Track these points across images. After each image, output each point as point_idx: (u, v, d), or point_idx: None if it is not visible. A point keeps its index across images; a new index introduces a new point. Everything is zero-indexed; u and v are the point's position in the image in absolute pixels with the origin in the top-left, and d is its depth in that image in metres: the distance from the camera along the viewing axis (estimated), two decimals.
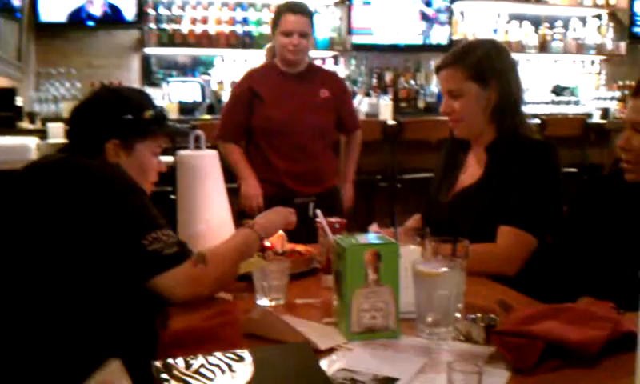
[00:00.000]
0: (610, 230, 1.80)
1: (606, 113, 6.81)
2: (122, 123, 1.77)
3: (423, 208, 2.34)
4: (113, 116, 1.78)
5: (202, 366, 1.16)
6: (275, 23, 3.40)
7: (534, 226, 2.00)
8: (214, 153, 2.07)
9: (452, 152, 2.29)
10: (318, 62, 6.73)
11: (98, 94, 1.88)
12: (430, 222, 2.14)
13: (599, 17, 7.75)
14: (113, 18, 6.19)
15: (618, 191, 1.84)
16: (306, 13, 3.40)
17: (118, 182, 1.62)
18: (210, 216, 1.98)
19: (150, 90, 6.33)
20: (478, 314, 1.42)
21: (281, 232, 2.05)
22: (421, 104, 6.90)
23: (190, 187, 1.99)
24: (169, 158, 2.00)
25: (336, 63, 6.94)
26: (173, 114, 5.94)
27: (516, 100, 2.14)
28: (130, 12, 6.20)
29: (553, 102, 7.37)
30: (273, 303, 1.67)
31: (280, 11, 3.39)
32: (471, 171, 2.19)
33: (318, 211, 1.85)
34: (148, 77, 6.53)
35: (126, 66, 6.45)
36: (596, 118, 6.64)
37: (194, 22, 6.42)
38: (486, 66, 2.11)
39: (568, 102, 7.47)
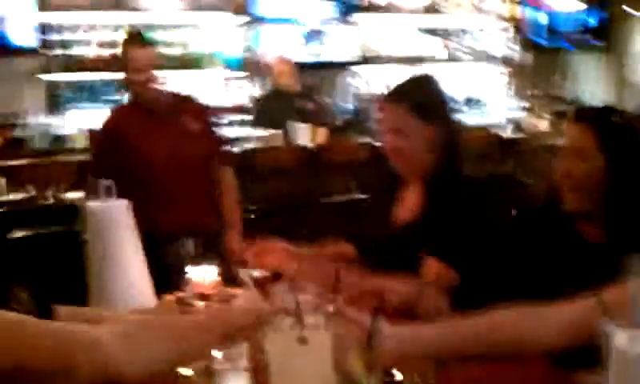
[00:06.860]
0: (545, 267, 1.78)
1: (515, 125, 6.95)
2: None
3: (355, 243, 2.27)
4: None
5: None
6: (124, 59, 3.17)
7: (458, 263, 1.96)
8: (124, 202, 1.94)
9: (386, 185, 2.24)
10: (231, 83, 6.72)
11: None
12: (369, 259, 2.12)
13: (506, 29, 7.95)
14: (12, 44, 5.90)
15: (553, 224, 1.83)
16: (150, 43, 3.23)
17: None
18: (125, 273, 1.85)
19: (54, 119, 6.06)
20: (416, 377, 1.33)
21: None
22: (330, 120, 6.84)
23: (98, 244, 1.85)
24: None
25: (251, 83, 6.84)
26: (77, 142, 5.69)
27: (455, 135, 2.14)
28: (32, 37, 5.92)
29: (463, 113, 7.49)
30: None
31: (125, 47, 3.18)
32: (409, 206, 2.14)
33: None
34: (53, 104, 6.23)
35: (28, 94, 6.13)
36: (505, 129, 6.76)
37: (101, 46, 6.19)
38: (427, 101, 2.10)
39: (477, 112, 7.62)
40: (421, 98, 2.10)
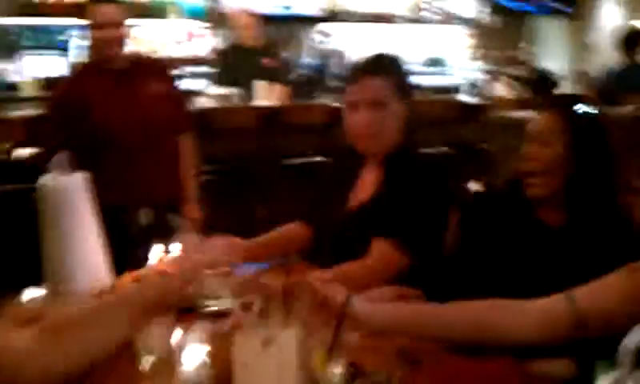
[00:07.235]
0: (505, 255, 1.77)
1: (475, 88, 6.95)
2: None
3: (312, 225, 2.23)
4: None
5: None
6: (89, 15, 2.97)
7: (412, 246, 1.94)
8: (81, 176, 1.85)
9: (345, 166, 2.19)
10: (193, 34, 6.53)
11: None
12: (326, 241, 2.10)
13: None
14: None
15: (513, 208, 1.82)
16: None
17: None
18: (81, 251, 1.77)
19: (4, 65, 5.85)
20: (382, 372, 1.28)
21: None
22: (292, 77, 6.75)
23: (54, 221, 1.77)
24: None
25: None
26: (31, 90, 5.50)
27: (414, 113, 2.10)
28: None
29: (424, 74, 7.47)
30: None
31: (91, 3, 2.99)
32: (367, 186, 2.10)
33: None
34: (5, 49, 6.00)
35: None
36: (465, 92, 6.75)
37: None
38: (406, 79, 2.08)
39: (439, 74, 7.61)
40: (402, 74, 2.08)
